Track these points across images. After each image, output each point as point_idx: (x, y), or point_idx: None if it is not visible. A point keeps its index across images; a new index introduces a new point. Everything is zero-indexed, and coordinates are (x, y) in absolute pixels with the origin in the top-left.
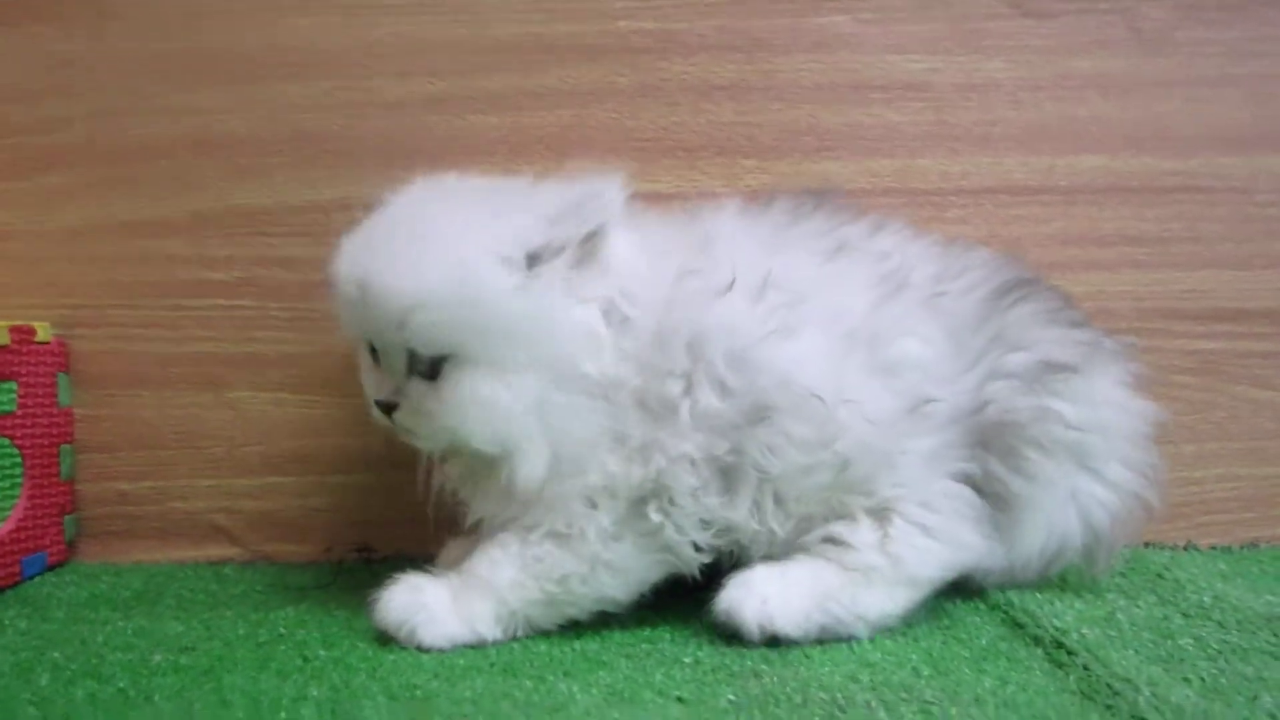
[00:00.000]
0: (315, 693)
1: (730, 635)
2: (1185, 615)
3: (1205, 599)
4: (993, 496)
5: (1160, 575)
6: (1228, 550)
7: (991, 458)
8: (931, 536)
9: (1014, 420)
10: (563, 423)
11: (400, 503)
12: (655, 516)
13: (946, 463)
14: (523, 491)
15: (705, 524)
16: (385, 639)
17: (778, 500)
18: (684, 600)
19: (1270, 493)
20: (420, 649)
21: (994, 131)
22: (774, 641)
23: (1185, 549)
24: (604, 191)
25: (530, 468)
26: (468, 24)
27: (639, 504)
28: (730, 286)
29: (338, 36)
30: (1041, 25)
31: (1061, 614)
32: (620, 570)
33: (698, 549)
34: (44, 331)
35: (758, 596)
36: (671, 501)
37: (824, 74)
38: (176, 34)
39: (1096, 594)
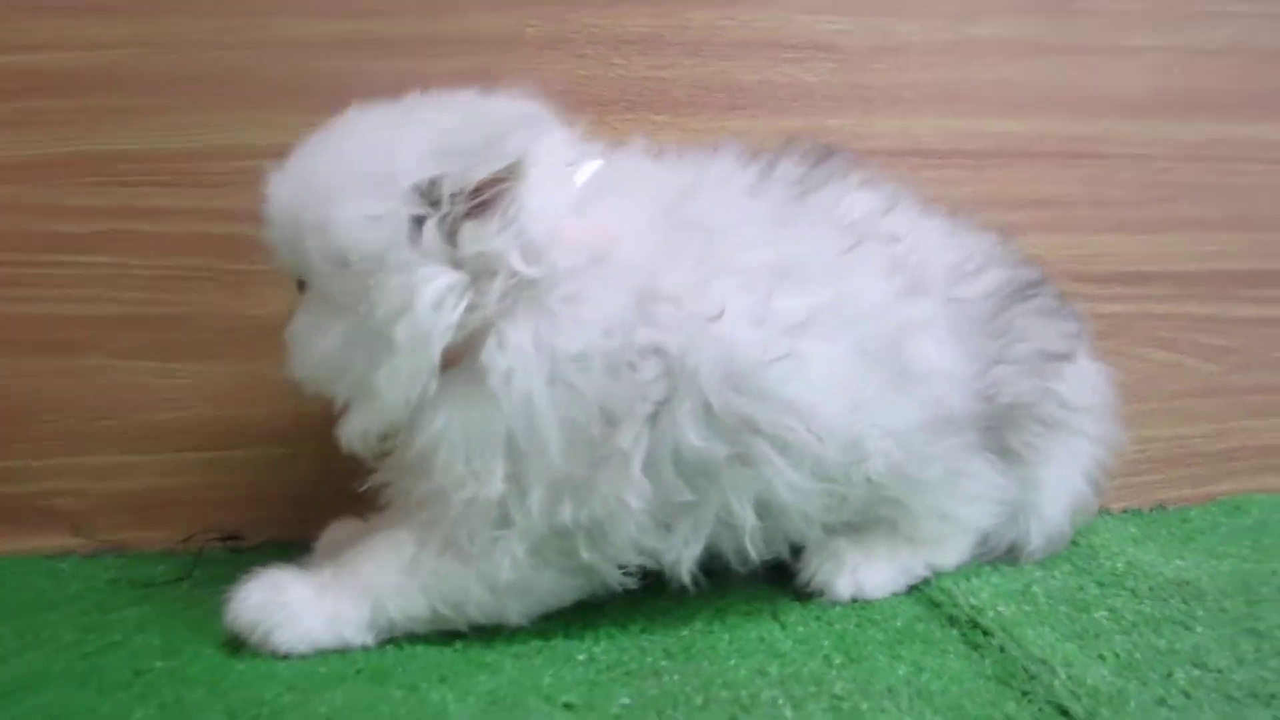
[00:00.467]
0: (139, 713)
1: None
2: (1100, 584)
3: (1119, 565)
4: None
5: (1075, 541)
6: (1138, 513)
7: (1006, 434)
8: (975, 498)
9: (1023, 401)
10: (375, 379)
11: (275, 483)
12: (585, 554)
13: (969, 450)
14: (345, 445)
15: (639, 553)
16: (238, 644)
17: (770, 532)
18: None
19: (1175, 454)
20: (275, 655)
21: (905, 94)
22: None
23: (1099, 513)
24: (519, 129)
25: (349, 423)
26: None
27: (564, 532)
28: (720, 315)
29: None
30: None
31: (978, 590)
32: (527, 595)
33: (626, 572)
34: None
35: (847, 567)
36: (604, 536)
37: (737, 31)
38: None
39: (1013, 565)
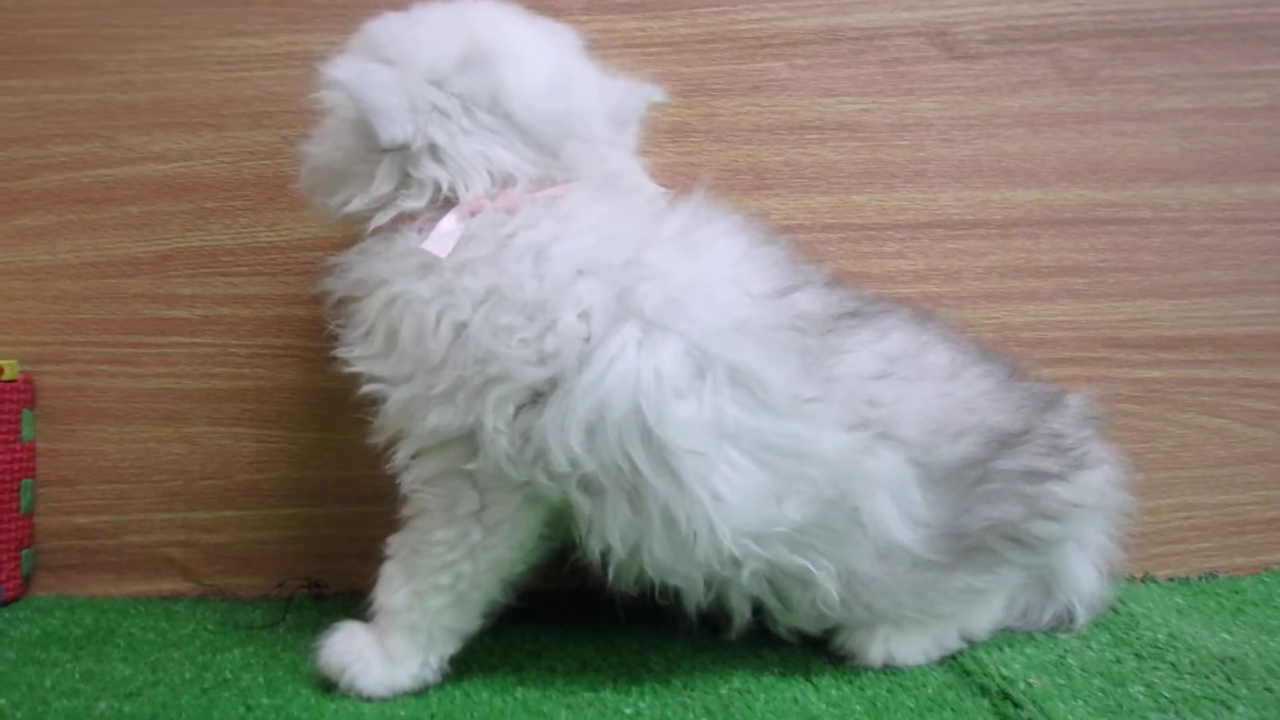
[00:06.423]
0: None
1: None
2: (1139, 656)
3: (1160, 636)
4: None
5: (1116, 610)
6: (1186, 581)
7: (997, 542)
8: (977, 591)
9: (1007, 519)
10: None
11: (352, 537)
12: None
13: (945, 571)
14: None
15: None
16: (329, 685)
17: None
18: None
19: (1225, 521)
20: (361, 698)
21: (928, 169)
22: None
23: (1143, 580)
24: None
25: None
26: None
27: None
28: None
29: (295, 86)
30: (970, 66)
31: (1010, 661)
32: (497, 526)
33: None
34: (11, 369)
35: (880, 635)
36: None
37: (761, 116)
38: (144, 85)
39: (1049, 634)
